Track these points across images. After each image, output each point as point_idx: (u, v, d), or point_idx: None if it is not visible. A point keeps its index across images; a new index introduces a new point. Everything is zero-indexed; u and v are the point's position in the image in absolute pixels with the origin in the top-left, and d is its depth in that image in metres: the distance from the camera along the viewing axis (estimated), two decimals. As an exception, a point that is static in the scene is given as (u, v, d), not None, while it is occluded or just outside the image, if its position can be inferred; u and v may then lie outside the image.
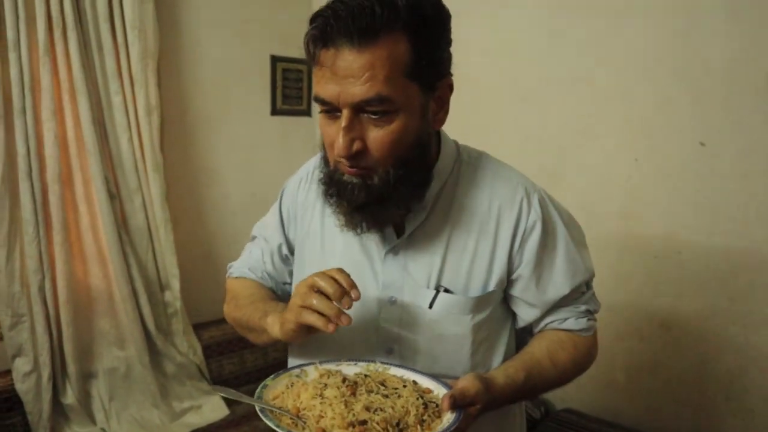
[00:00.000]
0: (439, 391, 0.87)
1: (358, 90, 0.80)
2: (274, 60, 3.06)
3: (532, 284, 0.98)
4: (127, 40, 2.40)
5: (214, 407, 2.63)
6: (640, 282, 2.18)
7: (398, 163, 0.86)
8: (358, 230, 0.92)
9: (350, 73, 0.79)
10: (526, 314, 1.02)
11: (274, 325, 0.92)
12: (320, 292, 0.84)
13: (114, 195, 2.44)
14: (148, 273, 2.59)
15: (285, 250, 1.13)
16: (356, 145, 0.83)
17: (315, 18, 0.82)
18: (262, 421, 0.79)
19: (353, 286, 0.85)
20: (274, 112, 3.12)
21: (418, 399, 0.83)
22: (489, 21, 2.52)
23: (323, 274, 0.86)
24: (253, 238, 1.20)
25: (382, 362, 0.94)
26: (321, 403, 0.82)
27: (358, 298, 0.84)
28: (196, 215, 2.89)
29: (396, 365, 0.94)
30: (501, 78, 2.52)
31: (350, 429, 0.77)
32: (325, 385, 0.85)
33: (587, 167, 2.28)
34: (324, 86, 0.82)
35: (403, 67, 0.82)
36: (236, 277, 1.17)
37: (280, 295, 1.15)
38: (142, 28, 2.40)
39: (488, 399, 0.85)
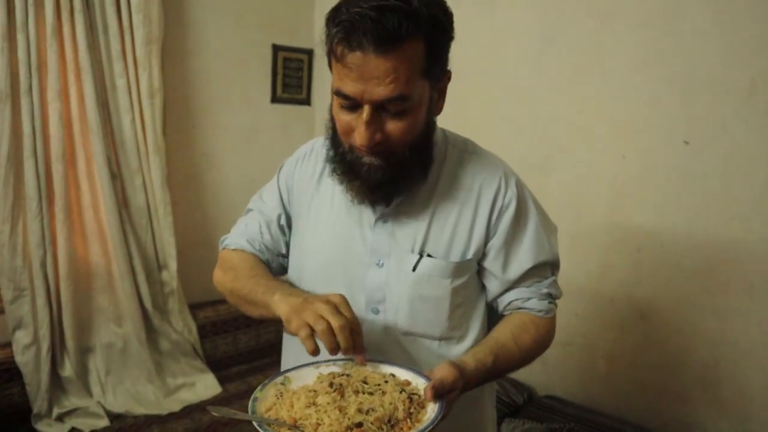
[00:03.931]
0: (416, 381, 0.93)
1: (383, 90, 0.88)
2: (276, 49, 3.11)
3: (501, 256, 1.08)
4: (132, 24, 2.45)
5: (207, 385, 2.70)
6: (624, 274, 2.25)
7: (413, 147, 0.97)
8: (367, 203, 1.04)
9: (375, 75, 0.87)
10: (493, 286, 1.11)
11: (281, 306, 0.96)
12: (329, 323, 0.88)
13: (115, 175, 2.49)
14: (146, 252, 2.65)
15: (283, 221, 1.21)
16: (377, 137, 0.93)
17: (339, 19, 0.88)
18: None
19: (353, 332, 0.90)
20: (274, 100, 3.17)
21: (401, 393, 0.89)
22: (485, 19, 2.58)
23: (337, 312, 0.89)
24: (248, 211, 1.25)
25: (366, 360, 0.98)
26: (316, 411, 0.85)
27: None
28: (194, 198, 2.95)
29: (371, 361, 0.98)
30: (495, 74, 2.57)
31: None
32: (316, 392, 0.89)
33: (576, 163, 2.35)
34: (348, 83, 0.90)
35: (420, 69, 0.90)
36: (233, 249, 1.21)
37: (275, 267, 1.21)
38: (146, 12, 2.45)
39: (463, 383, 0.94)
